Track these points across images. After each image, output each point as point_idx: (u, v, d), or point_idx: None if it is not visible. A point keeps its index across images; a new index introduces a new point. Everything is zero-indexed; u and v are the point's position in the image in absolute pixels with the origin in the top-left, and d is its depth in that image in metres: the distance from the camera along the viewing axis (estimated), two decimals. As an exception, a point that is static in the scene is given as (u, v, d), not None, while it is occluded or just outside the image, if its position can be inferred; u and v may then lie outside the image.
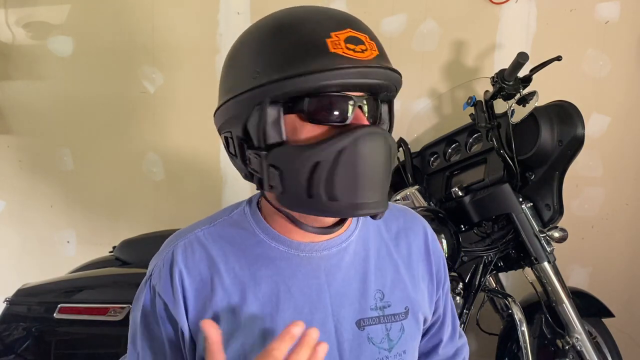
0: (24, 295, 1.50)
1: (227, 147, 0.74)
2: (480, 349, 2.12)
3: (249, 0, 2.14)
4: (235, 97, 0.67)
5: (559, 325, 1.52)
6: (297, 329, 0.61)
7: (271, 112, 0.65)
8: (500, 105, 1.57)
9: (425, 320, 0.83)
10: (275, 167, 0.66)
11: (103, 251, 1.89)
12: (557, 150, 1.44)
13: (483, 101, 1.57)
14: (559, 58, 1.53)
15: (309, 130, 0.65)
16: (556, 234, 1.48)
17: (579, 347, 1.48)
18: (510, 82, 1.51)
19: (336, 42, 0.63)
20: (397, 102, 2.08)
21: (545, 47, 1.93)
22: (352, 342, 0.73)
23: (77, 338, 1.48)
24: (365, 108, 0.67)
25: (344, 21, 0.66)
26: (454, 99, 2.02)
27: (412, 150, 1.83)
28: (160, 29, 2.23)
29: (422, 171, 1.87)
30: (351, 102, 0.65)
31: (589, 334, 1.52)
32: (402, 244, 0.82)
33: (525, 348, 1.48)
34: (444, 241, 1.43)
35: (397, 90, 0.70)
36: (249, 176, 0.73)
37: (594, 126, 1.96)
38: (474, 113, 1.58)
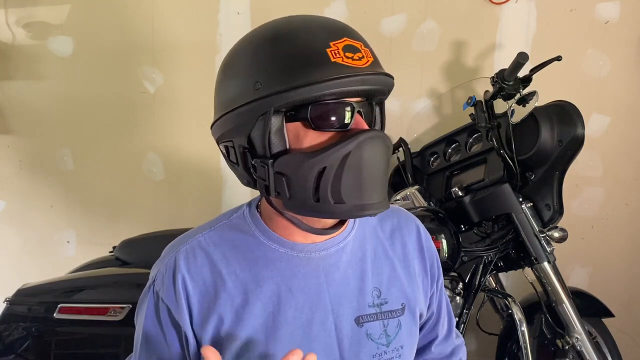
0: (24, 295, 1.50)
1: (227, 156, 0.76)
2: (480, 349, 2.12)
3: (248, 0, 2.14)
4: (236, 109, 0.69)
5: (559, 325, 1.52)
6: (296, 357, 0.61)
7: (275, 121, 0.67)
8: (500, 105, 1.57)
9: (420, 316, 0.85)
10: (281, 174, 0.68)
11: (103, 251, 1.89)
12: (557, 150, 1.44)
13: (483, 101, 1.57)
14: (559, 58, 1.53)
15: (312, 137, 0.68)
16: (556, 234, 1.48)
17: (579, 347, 1.48)
18: (510, 82, 1.51)
19: (336, 51, 0.65)
20: (397, 102, 2.09)
21: (545, 47, 1.93)
22: (351, 339, 0.76)
23: (77, 338, 1.48)
24: (363, 113, 0.70)
25: (340, 30, 0.69)
26: (454, 99, 2.02)
27: (412, 150, 1.83)
28: (160, 29, 2.23)
29: (422, 171, 1.87)
30: (350, 108, 0.68)
31: (589, 334, 1.52)
32: (397, 243, 0.85)
33: (525, 348, 1.48)
34: (444, 241, 1.43)
35: (389, 93, 0.74)
36: (251, 183, 0.74)
37: (594, 126, 1.96)
38: (474, 113, 1.58)
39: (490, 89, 1.59)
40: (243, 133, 0.70)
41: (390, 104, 2.09)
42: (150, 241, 1.73)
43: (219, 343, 0.73)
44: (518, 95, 1.51)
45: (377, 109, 0.76)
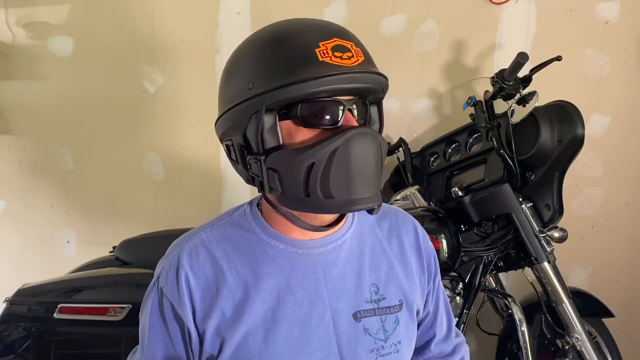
0: (24, 295, 1.50)
1: (228, 154, 0.79)
2: (480, 349, 2.12)
3: (248, 0, 2.14)
4: (233, 108, 0.73)
5: (559, 325, 1.52)
6: None
7: (267, 119, 0.70)
8: (500, 105, 1.57)
9: (418, 313, 0.87)
10: (273, 170, 0.71)
11: (103, 251, 1.89)
12: (557, 150, 1.44)
13: (483, 101, 1.57)
14: (559, 58, 1.53)
15: (304, 134, 0.70)
16: (556, 234, 1.48)
17: (579, 347, 1.48)
18: (510, 82, 1.51)
19: (324, 51, 0.68)
20: (397, 102, 2.08)
21: (545, 47, 1.94)
22: (349, 333, 0.78)
23: (77, 338, 1.48)
24: (355, 111, 0.72)
25: (331, 31, 0.71)
26: (454, 99, 2.02)
27: (412, 150, 1.83)
28: (161, 29, 2.23)
29: (422, 171, 1.88)
30: (341, 106, 0.70)
31: (589, 334, 1.52)
32: (394, 241, 0.87)
33: (525, 348, 1.48)
34: (444, 241, 1.43)
35: (384, 92, 0.75)
36: (250, 180, 0.78)
37: (594, 126, 1.96)
38: (474, 113, 1.58)
39: (490, 89, 1.58)
40: (239, 131, 0.73)
41: (390, 104, 2.09)
42: (150, 241, 1.73)
43: (220, 337, 0.75)
44: (518, 95, 1.51)
45: (373, 108, 0.78)
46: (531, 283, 1.57)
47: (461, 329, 1.55)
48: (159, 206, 2.33)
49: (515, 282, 2.05)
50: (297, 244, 0.78)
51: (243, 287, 0.76)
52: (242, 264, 0.77)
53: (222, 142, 0.80)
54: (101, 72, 2.29)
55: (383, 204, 0.85)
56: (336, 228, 0.81)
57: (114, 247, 1.79)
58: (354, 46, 0.70)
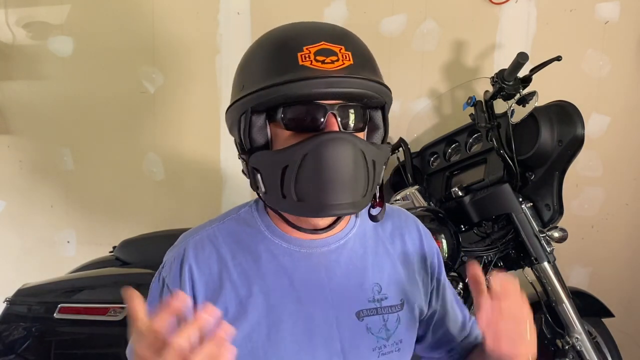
0: (24, 295, 1.50)
1: (238, 152, 0.81)
2: (480, 349, 2.11)
3: (248, 0, 2.14)
4: (230, 107, 0.77)
5: (559, 325, 1.52)
6: (208, 316, 0.57)
7: (257, 120, 0.73)
8: (500, 105, 1.57)
9: (421, 313, 0.87)
10: (256, 170, 0.74)
11: (103, 251, 1.89)
12: (557, 150, 1.44)
13: (483, 101, 1.57)
14: (558, 58, 1.53)
15: (286, 137, 0.71)
16: (556, 234, 1.48)
17: (578, 347, 1.48)
18: (510, 82, 1.51)
19: (306, 55, 0.68)
20: (397, 102, 2.08)
21: (545, 47, 1.93)
22: (352, 332, 0.78)
23: (77, 338, 1.48)
24: (341, 117, 0.70)
25: (321, 35, 0.71)
26: (454, 99, 2.02)
27: (412, 150, 1.83)
28: (160, 29, 2.23)
29: (422, 171, 1.87)
30: (323, 110, 0.70)
31: (589, 334, 1.52)
32: (397, 242, 0.87)
33: (525, 348, 1.47)
34: (444, 241, 1.43)
35: (380, 97, 0.73)
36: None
37: (594, 126, 1.96)
38: (474, 113, 1.58)
39: (490, 89, 1.58)
40: (235, 130, 0.77)
41: (390, 104, 2.08)
42: (150, 241, 1.73)
43: None
44: (518, 95, 1.51)
45: (376, 113, 0.77)
46: (531, 283, 1.57)
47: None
48: (159, 206, 2.33)
49: (515, 282, 2.04)
50: (300, 243, 0.79)
51: (247, 284, 0.77)
52: (247, 261, 0.78)
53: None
54: (101, 72, 2.29)
55: (387, 205, 0.86)
56: (338, 228, 0.81)
57: (114, 247, 1.79)
58: (343, 50, 0.69)
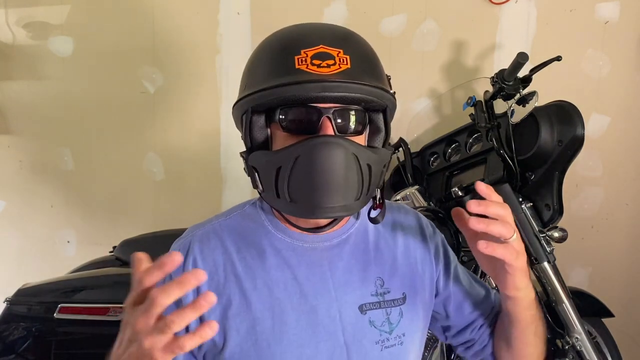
0: (24, 295, 1.50)
1: None
2: (480, 349, 2.11)
3: (248, 0, 2.14)
4: (234, 106, 0.78)
5: (559, 325, 1.52)
6: (174, 260, 0.57)
7: (258, 120, 0.75)
8: (500, 105, 1.57)
9: (427, 304, 0.88)
10: (254, 169, 0.76)
11: (103, 251, 1.89)
12: (556, 150, 1.44)
13: (483, 101, 1.57)
14: (558, 58, 1.53)
15: (283, 138, 0.74)
16: (556, 234, 1.48)
17: (578, 347, 1.48)
18: (510, 82, 1.51)
19: (303, 58, 0.69)
20: (397, 102, 2.08)
21: (545, 47, 1.93)
22: (355, 325, 0.80)
23: (77, 338, 1.48)
24: (337, 120, 0.72)
25: (321, 38, 0.71)
26: (454, 99, 2.02)
27: (412, 150, 1.83)
28: (160, 29, 2.23)
29: (422, 171, 1.87)
30: (318, 113, 0.71)
31: (589, 334, 1.52)
32: (398, 236, 0.88)
33: (525, 348, 1.47)
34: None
35: (379, 100, 0.74)
36: None
37: (594, 126, 1.96)
38: (473, 113, 1.58)
39: (490, 89, 1.58)
40: (238, 127, 0.80)
41: (390, 104, 2.08)
42: (150, 241, 1.73)
43: (226, 324, 0.76)
44: (518, 95, 1.51)
45: (378, 116, 0.78)
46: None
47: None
48: (159, 206, 2.33)
49: (515, 282, 2.04)
50: (303, 238, 0.81)
51: (251, 277, 0.78)
52: (251, 255, 0.80)
53: None
54: (101, 72, 2.29)
55: (387, 201, 0.87)
56: (340, 224, 0.83)
57: (114, 247, 1.79)
58: (341, 53, 0.70)
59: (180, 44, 2.22)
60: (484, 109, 1.55)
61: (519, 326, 0.82)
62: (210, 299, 0.56)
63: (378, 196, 0.82)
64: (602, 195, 2.02)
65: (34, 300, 1.49)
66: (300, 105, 0.71)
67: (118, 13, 2.24)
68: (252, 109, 0.73)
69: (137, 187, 2.34)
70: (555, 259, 1.50)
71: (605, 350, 1.62)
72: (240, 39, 2.16)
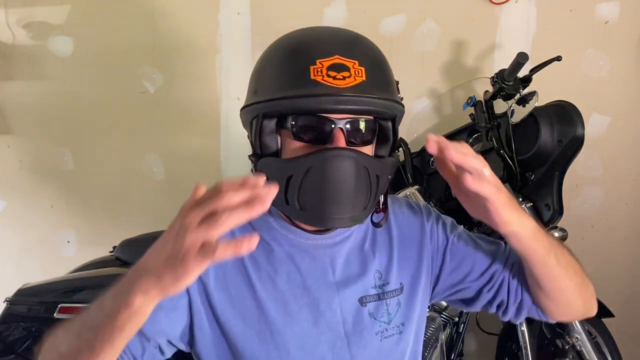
0: (24, 295, 1.50)
1: None
2: (480, 349, 2.12)
3: (249, 0, 2.14)
4: (243, 109, 0.80)
5: (558, 325, 1.52)
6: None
7: (268, 124, 0.75)
8: (500, 106, 1.57)
9: (425, 289, 0.88)
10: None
11: (103, 251, 1.89)
12: (557, 150, 1.44)
13: (483, 101, 1.57)
14: (558, 58, 1.53)
15: (294, 146, 0.74)
16: (556, 234, 1.48)
17: (578, 347, 1.48)
18: (510, 82, 1.51)
19: (319, 69, 0.70)
20: (397, 102, 2.08)
21: (545, 47, 1.93)
22: (355, 318, 0.82)
23: (77, 338, 1.48)
24: (349, 131, 0.73)
25: (336, 47, 0.72)
26: (454, 99, 2.02)
27: (412, 150, 1.83)
28: (160, 29, 2.23)
29: (422, 171, 1.87)
30: (331, 124, 0.72)
31: (589, 334, 1.52)
32: (393, 226, 0.89)
33: (525, 348, 1.48)
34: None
35: (390, 111, 0.75)
36: None
37: (594, 126, 1.96)
38: (474, 113, 1.59)
39: (490, 89, 1.59)
40: (247, 130, 0.81)
41: (390, 104, 2.08)
42: (150, 241, 1.70)
43: (232, 312, 0.78)
44: (518, 95, 1.51)
45: (387, 124, 0.78)
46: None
47: (461, 328, 1.55)
48: (159, 206, 2.33)
49: (515, 282, 2.04)
50: (306, 236, 0.82)
51: (256, 268, 0.80)
52: (257, 250, 0.80)
53: None
54: (101, 72, 2.29)
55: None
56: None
57: (114, 247, 1.78)
58: (356, 65, 0.71)
59: (180, 44, 2.22)
60: (484, 109, 1.55)
61: (537, 262, 0.78)
62: (273, 190, 0.54)
63: (382, 201, 0.83)
64: (602, 195, 2.02)
65: (34, 300, 1.49)
66: (312, 114, 0.72)
67: (118, 13, 2.24)
68: (262, 114, 0.74)
69: (137, 187, 2.34)
70: (555, 259, 1.50)
71: (605, 350, 1.62)
72: (240, 39, 2.16)
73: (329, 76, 0.69)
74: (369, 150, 0.78)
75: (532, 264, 0.79)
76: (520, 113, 1.48)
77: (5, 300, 1.50)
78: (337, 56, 0.70)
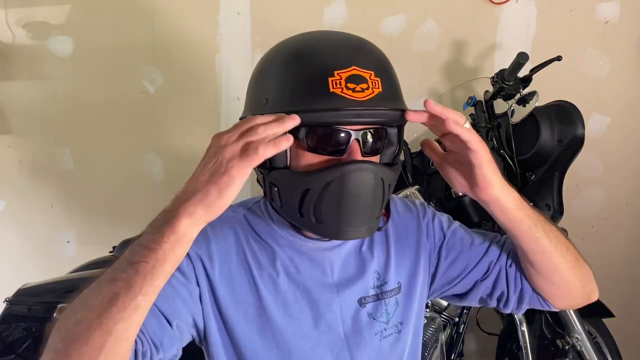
0: (24, 295, 1.50)
1: None
2: (480, 349, 2.12)
3: (248, 0, 2.14)
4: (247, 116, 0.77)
5: (559, 325, 1.52)
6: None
7: None
8: (500, 105, 1.57)
9: (422, 284, 0.89)
10: (274, 185, 0.75)
11: (103, 251, 1.89)
12: (557, 150, 1.44)
13: (483, 101, 1.57)
14: (559, 58, 1.53)
15: (308, 158, 0.73)
16: (556, 234, 1.47)
17: (579, 347, 1.48)
18: (510, 82, 1.51)
19: (337, 81, 0.68)
20: (397, 102, 2.08)
21: (545, 47, 1.93)
22: (354, 318, 0.83)
23: (77, 338, 1.48)
24: (364, 141, 0.73)
25: (351, 57, 0.71)
26: (454, 99, 2.02)
27: (412, 150, 1.83)
28: (160, 29, 2.23)
29: (422, 171, 1.87)
30: (348, 136, 0.71)
31: (589, 334, 1.52)
32: (390, 227, 0.90)
33: (525, 348, 1.48)
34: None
35: (401, 120, 0.76)
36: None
37: (594, 126, 1.96)
38: (474, 113, 1.58)
39: (490, 89, 1.59)
40: None
41: (390, 104, 2.08)
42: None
43: (235, 308, 0.78)
44: (518, 95, 1.51)
45: (393, 130, 0.79)
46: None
47: (461, 329, 1.55)
48: (159, 206, 2.32)
49: (515, 282, 2.04)
50: (305, 239, 0.82)
51: (259, 268, 0.80)
52: (259, 248, 0.82)
53: None
54: (101, 72, 2.29)
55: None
56: None
57: (114, 247, 1.78)
58: (373, 76, 0.70)
59: (180, 44, 2.22)
60: (484, 109, 1.55)
61: (525, 235, 0.77)
62: (296, 121, 0.63)
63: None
64: (602, 195, 2.02)
65: (34, 300, 1.49)
66: (328, 126, 0.71)
67: (118, 13, 2.24)
68: None
69: (137, 187, 2.34)
70: (555, 259, 1.50)
71: (605, 350, 1.63)
72: (240, 39, 2.16)
73: (348, 88, 0.68)
74: (377, 158, 0.78)
75: (521, 239, 0.78)
76: (521, 113, 1.48)
77: (5, 300, 1.50)
78: (354, 67, 0.69)
